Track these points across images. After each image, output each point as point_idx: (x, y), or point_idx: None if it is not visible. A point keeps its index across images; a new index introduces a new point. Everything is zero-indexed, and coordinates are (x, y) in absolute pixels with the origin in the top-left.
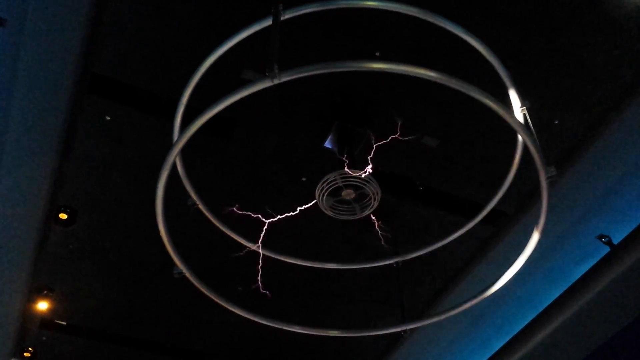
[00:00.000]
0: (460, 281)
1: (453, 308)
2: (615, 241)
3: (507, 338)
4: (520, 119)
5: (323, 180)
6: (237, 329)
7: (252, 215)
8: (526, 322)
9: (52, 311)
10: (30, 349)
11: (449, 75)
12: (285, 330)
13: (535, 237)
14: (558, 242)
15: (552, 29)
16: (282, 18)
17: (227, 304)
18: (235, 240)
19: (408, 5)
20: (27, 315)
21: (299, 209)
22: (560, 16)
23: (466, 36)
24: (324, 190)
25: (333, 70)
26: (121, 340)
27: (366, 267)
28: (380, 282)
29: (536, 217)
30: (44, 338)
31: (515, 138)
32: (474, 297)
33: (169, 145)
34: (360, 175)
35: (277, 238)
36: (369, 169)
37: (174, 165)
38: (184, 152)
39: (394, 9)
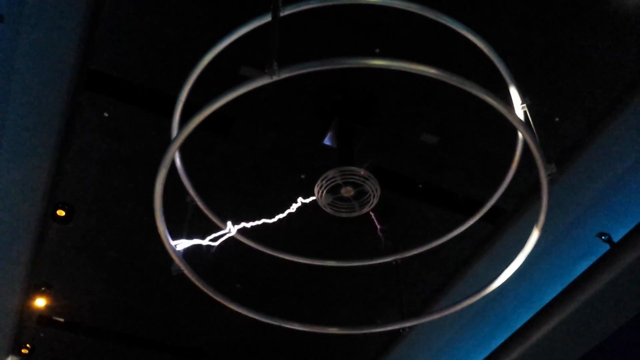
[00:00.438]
0: (459, 279)
1: (452, 306)
2: (615, 239)
3: (506, 336)
4: (521, 116)
5: (322, 178)
6: (235, 326)
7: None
8: (525, 320)
9: (49, 308)
10: (28, 345)
11: (449, 72)
12: (284, 327)
13: (535, 235)
14: (558, 239)
15: (553, 26)
16: (281, 14)
17: (226, 302)
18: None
19: (408, 1)
20: (25, 312)
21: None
22: (561, 13)
23: (467, 33)
24: (323, 188)
25: (332, 67)
26: (119, 337)
27: (365, 265)
28: (379, 280)
29: (536, 215)
30: (42, 335)
31: (516, 135)
32: (473, 294)
33: (168, 141)
34: (360, 172)
35: (275, 235)
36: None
37: (173, 162)
38: (182, 148)
39: (393, 6)
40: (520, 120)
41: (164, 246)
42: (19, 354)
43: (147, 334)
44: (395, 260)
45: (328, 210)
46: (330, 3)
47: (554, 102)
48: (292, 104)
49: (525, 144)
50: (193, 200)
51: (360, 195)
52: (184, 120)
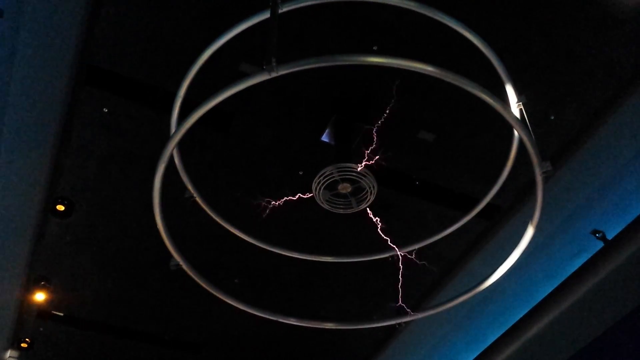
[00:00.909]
0: (455, 275)
1: (448, 301)
2: (609, 236)
3: (501, 332)
4: (517, 114)
5: (320, 174)
6: (233, 321)
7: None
8: (520, 316)
9: (49, 302)
10: (27, 339)
11: (446, 69)
12: (281, 322)
13: (529, 232)
14: (552, 236)
15: (549, 25)
16: (280, 11)
17: (224, 296)
18: (233, 233)
19: None
20: (25, 306)
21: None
22: (557, 11)
23: (463, 30)
24: (320, 184)
25: (331, 64)
26: (118, 331)
27: (362, 261)
28: (375, 276)
29: (531, 212)
30: (41, 329)
31: (511, 133)
32: (469, 290)
33: (167, 137)
34: (357, 169)
35: (273, 231)
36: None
37: (171, 158)
38: (181, 144)
39: (391, 3)
40: (516, 118)
41: (163, 240)
42: (19, 348)
43: (145, 328)
44: (392, 256)
45: (325, 206)
46: (328, 0)
47: (549, 100)
48: (290, 100)
49: (521, 141)
50: (192, 196)
51: (358, 191)
52: (183, 116)
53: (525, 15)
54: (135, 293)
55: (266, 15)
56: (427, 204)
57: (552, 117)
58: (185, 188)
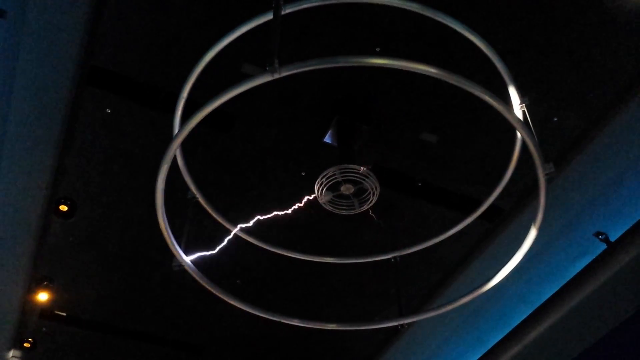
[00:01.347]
0: (457, 276)
1: (450, 303)
2: (612, 238)
3: (503, 334)
4: (520, 115)
5: (322, 175)
6: (235, 321)
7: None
8: (522, 318)
9: (52, 302)
10: (30, 339)
11: (448, 71)
12: (283, 323)
13: (532, 234)
14: (555, 239)
15: (552, 26)
16: (282, 12)
17: (226, 297)
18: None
19: (408, 0)
20: (27, 306)
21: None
22: (560, 13)
23: (466, 32)
24: (323, 185)
25: (333, 65)
26: (120, 331)
27: (364, 262)
28: (378, 277)
29: (534, 214)
30: (44, 329)
31: (514, 135)
32: (471, 292)
33: (169, 138)
34: (359, 170)
35: (275, 232)
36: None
37: (174, 159)
38: (184, 145)
39: (394, 5)
40: (519, 119)
41: (166, 242)
42: (21, 348)
43: (148, 329)
44: (394, 258)
45: (328, 207)
46: (331, 2)
47: (552, 102)
48: (292, 101)
49: (523, 143)
50: (194, 197)
51: (360, 193)
52: (185, 117)
53: (528, 17)
54: (138, 293)
55: (269, 16)
56: (430, 206)
57: (555, 119)
58: (188, 189)
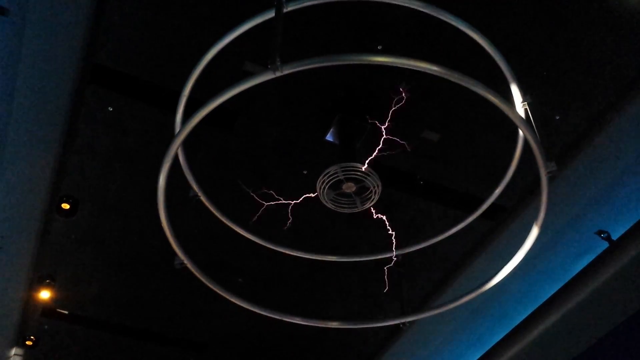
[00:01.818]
0: (459, 275)
1: (452, 301)
2: (614, 237)
3: (505, 332)
4: (522, 114)
5: (324, 173)
6: (237, 319)
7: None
8: (524, 317)
9: (54, 300)
10: (32, 337)
11: (451, 69)
12: (285, 321)
13: (534, 232)
14: (557, 237)
15: (555, 24)
16: (284, 10)
17: (228, 295)
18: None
19: None
20: (29, 304)
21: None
22: (563, 11)
23: (469, 30)
24: (325, 183)
25: (335, 63)
26: (122, 329)
27: (366, 260)
28: (380, 275)
29: (536, 212)
30: (46, 327)
31: (516, 133)
32: (473, 290)
33: (171, 136)
34: (361, 168)
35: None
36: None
37: (176, 157)
38: (185, 143)
39: (396, 3)
40: (521, 118)
41: (167, 239)
42: (23, 345)
43: (149, 327)
44: (396, 256)
45: (330, 205)
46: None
47: (554, 100)
48: (294, 100)
49: (525, 141)
50: (196, 195)
51: (362, 191)
52: (187, 115)
53: (531, 15)
54: (139, 292)
55: (271, 14)
56: (432, 204)
57: (557, 117)
58: (190, 187)
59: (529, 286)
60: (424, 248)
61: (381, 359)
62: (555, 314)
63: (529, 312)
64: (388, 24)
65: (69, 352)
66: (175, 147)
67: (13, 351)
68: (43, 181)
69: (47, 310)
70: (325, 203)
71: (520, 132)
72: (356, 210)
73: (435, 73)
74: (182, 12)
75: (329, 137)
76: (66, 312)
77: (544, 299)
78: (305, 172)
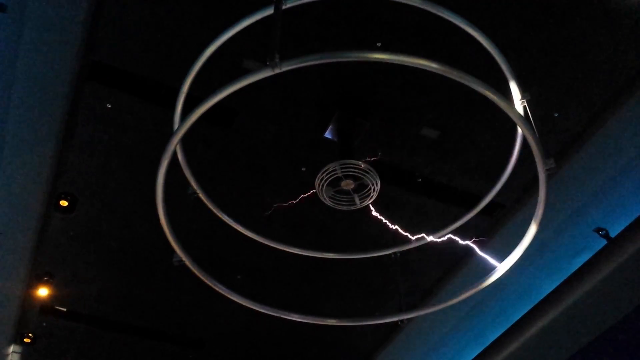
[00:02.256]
0: (457, 272)
1: (450, 298)
2: (612, 234)
3: (503, 329)
4: (521, 111)
5: (323, 171)
6: (235, 317)
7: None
8: (522, 314)
9: (52, 297)
10: (30, 334)
11: (450, 66)
12: (283, 318)
13: (532, 229)
14: (555, 234)
15: (553, 22)
16: (283, 7)
17: (227, 292)
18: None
19: None
20: (28, 301)
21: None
22: (561, 9)
23: (468, 27)
24: (323, 181)
25: (334, 60)
26: (120, 326)
27: (364, 257)
28: (378, 272)
29: (534, 209)
30: (44, 324)
31: (515, 130)
32: (471, 287)
33: (170, 133)
34: (360, 165)
35: (276, 227)
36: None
37: (175, 154)
38: (184, 140)
39: None
40: (520, 115)
41: (166, 236)
42: (21, 343)
43: (148, 324)
44: (394, 253)
45: (328, 202)
46: None
47: (553, 98)
48: (293, 97)
49: (524, 138)
50: (195, 192)
51: (361, 188)
52: (186, 112)
53: (529, 13)
54: (137, 289)
55: (270, 11)
56: (430, 201)
57: (556, 115)
58: (188, 184)
59: (527, 283)
60: (422, 245)
61: (379, 356)
62: (553, 311)
63: (527, 309)
64: (387, 21)
65: (67, 349)
66: (174, 144)
67: (11, 348)
68: (41, 178)
69: (45, 307)
70: (324, 200)
71: (519, 130)
72: (355, 207)
73: (434, 70)
74: (181, 8)
75: (327, 135)
76: (64, 309)
77: (542, 296)
78: (304, 169)
